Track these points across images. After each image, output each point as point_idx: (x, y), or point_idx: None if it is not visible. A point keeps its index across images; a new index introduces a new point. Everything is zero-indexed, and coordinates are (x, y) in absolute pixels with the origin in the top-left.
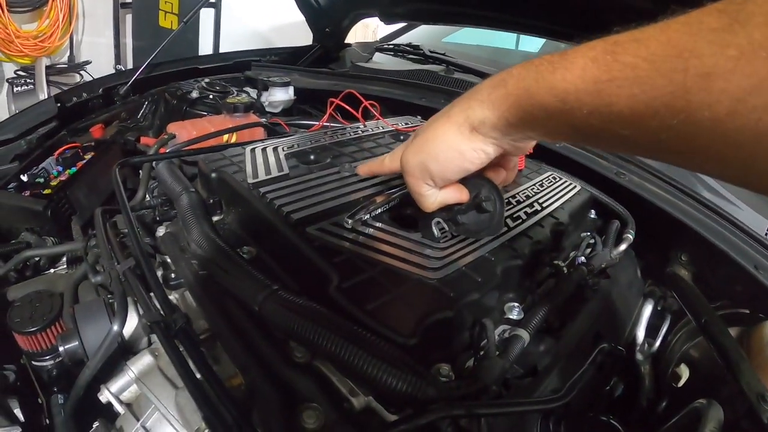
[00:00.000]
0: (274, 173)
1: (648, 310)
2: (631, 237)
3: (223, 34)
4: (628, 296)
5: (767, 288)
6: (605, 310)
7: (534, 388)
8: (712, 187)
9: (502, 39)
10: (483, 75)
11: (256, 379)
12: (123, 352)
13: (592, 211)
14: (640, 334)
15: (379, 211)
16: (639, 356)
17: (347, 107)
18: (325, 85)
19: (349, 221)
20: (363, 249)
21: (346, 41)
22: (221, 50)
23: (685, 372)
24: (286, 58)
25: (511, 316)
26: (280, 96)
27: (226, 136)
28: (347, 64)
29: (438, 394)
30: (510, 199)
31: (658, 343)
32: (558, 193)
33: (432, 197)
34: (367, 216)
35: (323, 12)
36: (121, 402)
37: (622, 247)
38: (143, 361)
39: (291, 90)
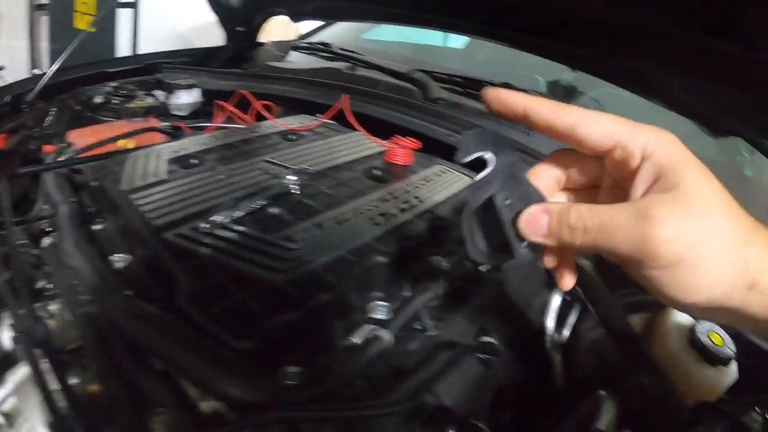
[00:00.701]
0: (150, 179)
1: (557, 299)
2: None
3: (143, 34)
4: (528, 288)
5: None
6: (495, 305)
7: (396, 388)
8: None
9: (431, 35)
10: (391, 72)
11: (112, 387)
12: (4, 363)
13: None
14: (550, 324)
15: (241, 213)
16: (549, 346)
17: (233, 110)
18: (232, 86)
19: (206, 225)
20: (217, 253)
21: (271, 40)
22: (140, 51)
23: (592, 361)
24: (198, 59)
25: (376, 316)
26: (184, 99)
27: (124, 142)
28: (259, 63)
29: (270, 397)
30: (387, 195)
31: (566, 333)
32: (443, 186)
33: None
34: (227, 219)
35: (234, 11)
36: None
37: None
38: (20, 372)
39: (196, 92)
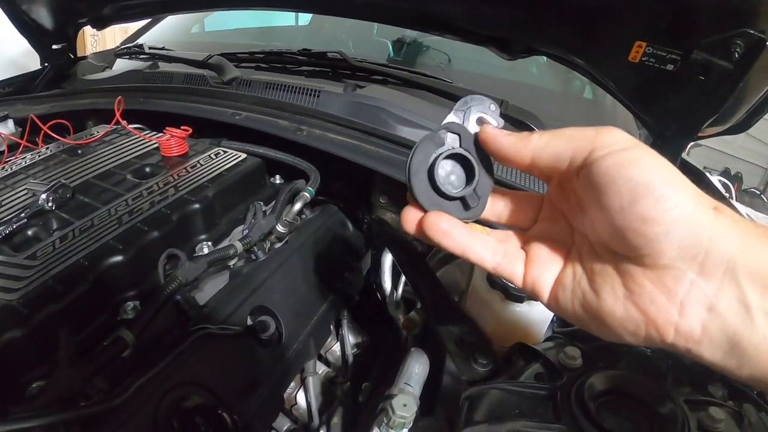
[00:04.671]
0: None
1: (389, 259)
2: (307, 195)
3: None
4: (333, 252)
5: None
6: (278, 280)
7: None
8: (408, 120)
9: (280, 17)
10: (189, 62)
11: None
12: None
13: (277, 177)
14: (387, 285)
15: None
16: (391, 307)
17: (9, 136)
18: (44, 110)
19: None
20: None
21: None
22: None
23: (419, 317)
24: (22, 87)
25: (126, 316)
26: None
27: None
28: (79, 78)
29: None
30: (144, 191)
31: (400, 291)
32: (212, 169)
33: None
34: None
35: (42, 30)
36: None
37: (297, 206)
38: None
39: (10, 123)
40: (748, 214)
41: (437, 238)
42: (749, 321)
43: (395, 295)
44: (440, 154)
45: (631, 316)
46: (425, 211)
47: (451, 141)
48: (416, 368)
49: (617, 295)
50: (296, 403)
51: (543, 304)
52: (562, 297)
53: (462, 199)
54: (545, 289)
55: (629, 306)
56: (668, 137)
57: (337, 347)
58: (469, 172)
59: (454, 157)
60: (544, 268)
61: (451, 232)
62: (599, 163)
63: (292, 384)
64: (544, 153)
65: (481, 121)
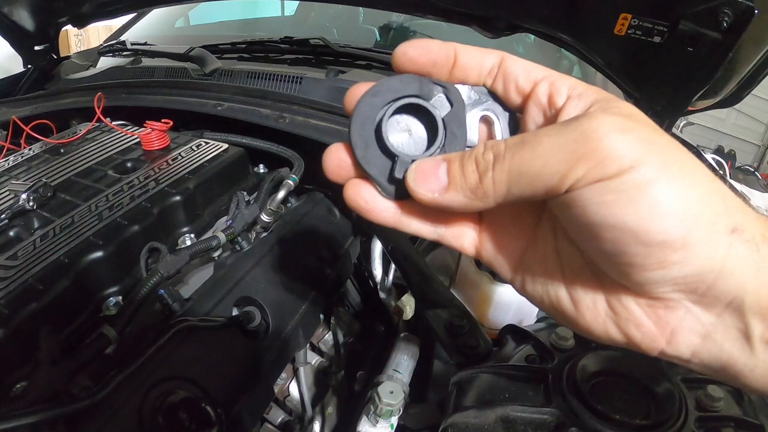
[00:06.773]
0: None
1: (378, 246)
2: (290, 182)
3: None
4: (320, 240)
5: None
6: (263, 269)
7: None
8: None
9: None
10: (170, 55)
11: None
12: None
13: (261, 166)
14: (378, 271)
15: None
16: (382, 294)
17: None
18: (27, 112)
19: None
20: None
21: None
22: None
23: (409, 303)
24: (5, 90)
25: (109, 313)
26: None
27: None
28: (62, 79)
29: None
30: (125, 186)
31: (391, 277)
32: (191, 161)
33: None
34: None
35: (23, 31)
36: None
37: (281, 195)
38: None
39: None
40: (743, 192)
41: (361, 213)
42: (747, 349)
43: (386, 281)
44: (413, 97)
45: (610, 336)
46: (352, 149)
47: (438, 103)
48: (405, 354)
49: (598, 312)
50: (289, 395)
51: (506, 281)
52: (531, 289)
53: (393, 164)
54: (505, 268)
55: (611, 326)
56: (658, 112)
57: (329, 336)
58: (429, 144)
59: (423, 117)
60: (503, 243)
61: (374, 205)
62: (577, 198)
63: (284, 375)
64: (510, 200)
65: (485, 120)
